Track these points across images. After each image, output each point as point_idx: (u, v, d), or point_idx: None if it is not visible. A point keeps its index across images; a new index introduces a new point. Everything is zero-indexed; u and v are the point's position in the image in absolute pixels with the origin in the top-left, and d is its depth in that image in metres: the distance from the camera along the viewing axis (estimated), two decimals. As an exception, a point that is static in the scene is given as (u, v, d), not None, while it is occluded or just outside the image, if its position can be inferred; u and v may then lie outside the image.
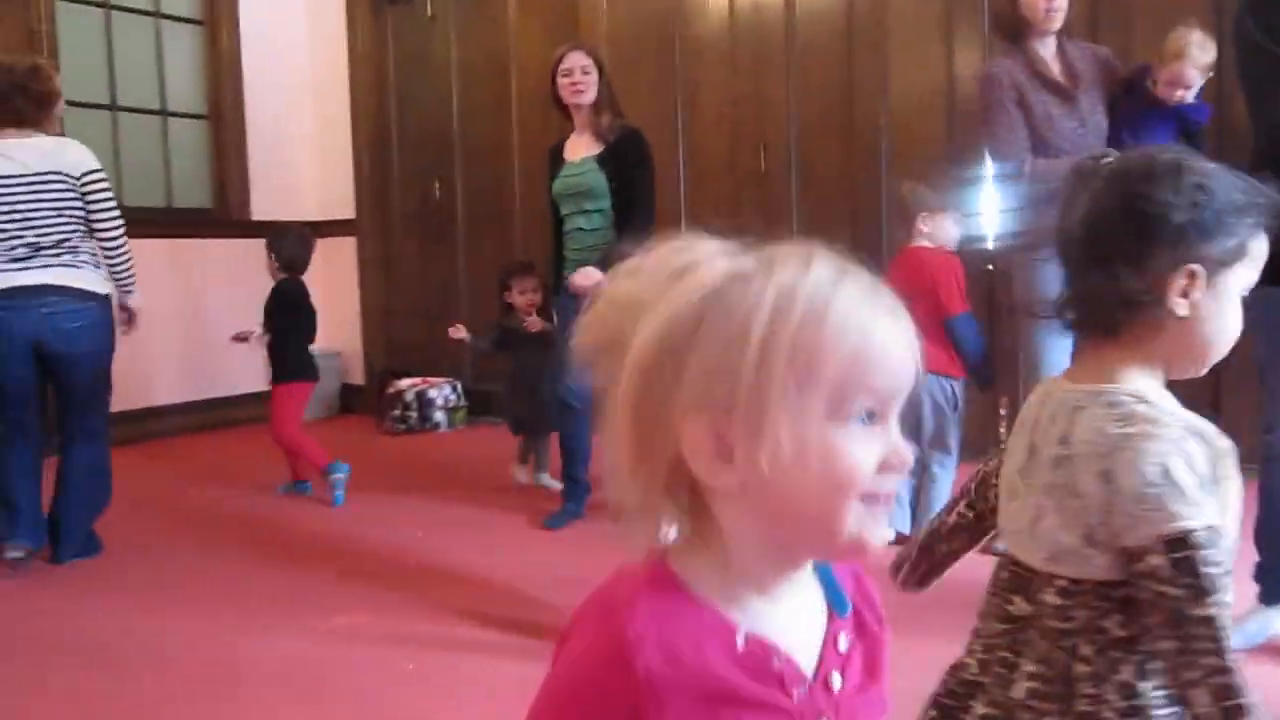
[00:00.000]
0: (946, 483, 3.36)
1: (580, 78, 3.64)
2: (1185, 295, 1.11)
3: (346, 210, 6.18)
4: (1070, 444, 1.11)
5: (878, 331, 0.67)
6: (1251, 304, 1.17)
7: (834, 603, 0.76)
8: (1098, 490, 1.07)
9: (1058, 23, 3.13)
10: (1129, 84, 3.20)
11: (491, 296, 5.74)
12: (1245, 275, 1.14)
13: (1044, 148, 3.11)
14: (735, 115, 4.94)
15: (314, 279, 6.23)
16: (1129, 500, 1.04)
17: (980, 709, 1.15)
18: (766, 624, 0.71)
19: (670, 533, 0.71)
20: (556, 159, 3.81)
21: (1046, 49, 3.18)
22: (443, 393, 5.58)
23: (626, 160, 3.68)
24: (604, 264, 3.74)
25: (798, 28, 4.76)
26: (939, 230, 3.37)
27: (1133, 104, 3.15)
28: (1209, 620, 1.00)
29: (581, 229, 3.71)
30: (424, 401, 5.54)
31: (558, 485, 3.94)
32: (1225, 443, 1.09)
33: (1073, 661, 1.09)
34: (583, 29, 5.19)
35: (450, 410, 5.59)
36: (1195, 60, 3.07)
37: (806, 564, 0.75)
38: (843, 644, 0.75)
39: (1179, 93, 3.09)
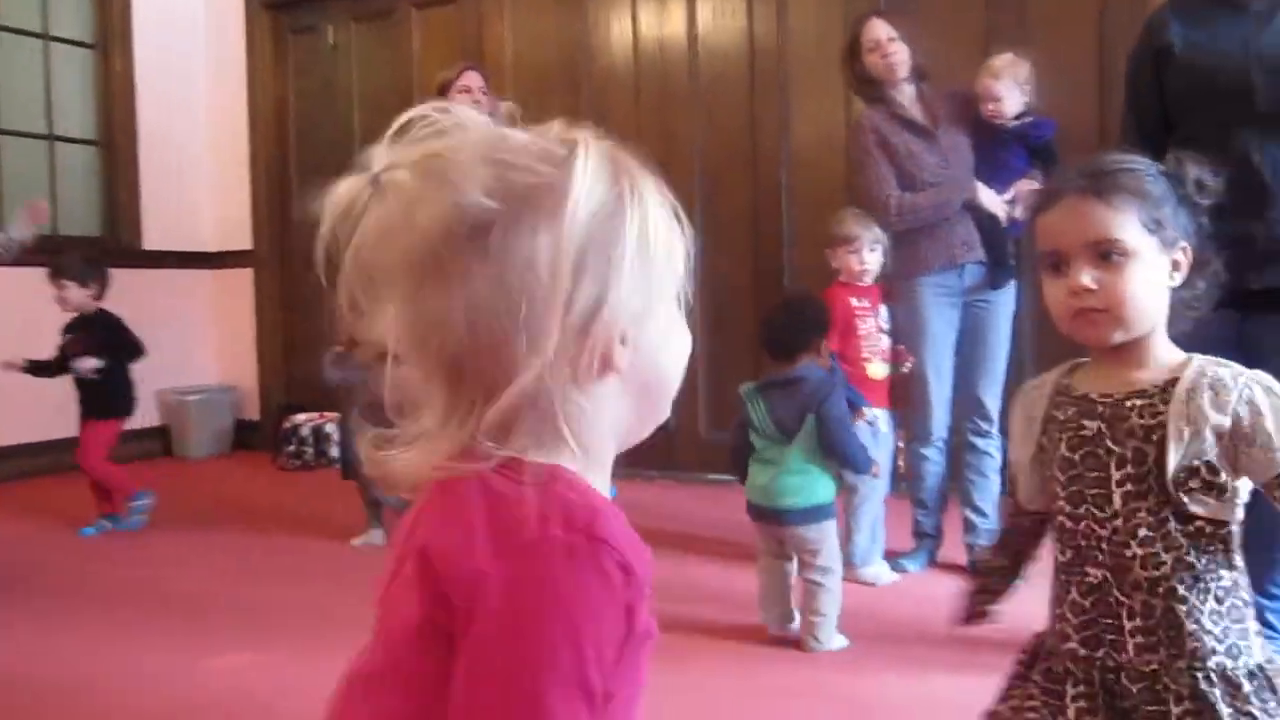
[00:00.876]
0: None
1: (480, 96, 3.64)
2: None
3: (244, 241, 6.02)
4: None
5: (683, 231, 0.79)
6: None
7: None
8: None
9: (901, 72, 3.33)
10: (975, 121, 3.34)
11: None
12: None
13: (912, 183, 3.29)
14: (640, 149, 4.92)
15: (208, 312, 6.10)
16: None
17: None
18: None
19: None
20: None
21: (905, 96, 3.37)
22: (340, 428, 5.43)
23: None
24: None
25: (701, 64, 4.80)
26: (839, 263, 3.38)
27: (982, 136, 3.32)
28: None
29: None
30: (320, 437, 5.39)
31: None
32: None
33: None
34: (488, 61, 5.15)
35: (348, 446, 5.44)
36: (995, 73, 3.24)
37: None
38: None
39: (990, 106, 3.26)
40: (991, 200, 3.23)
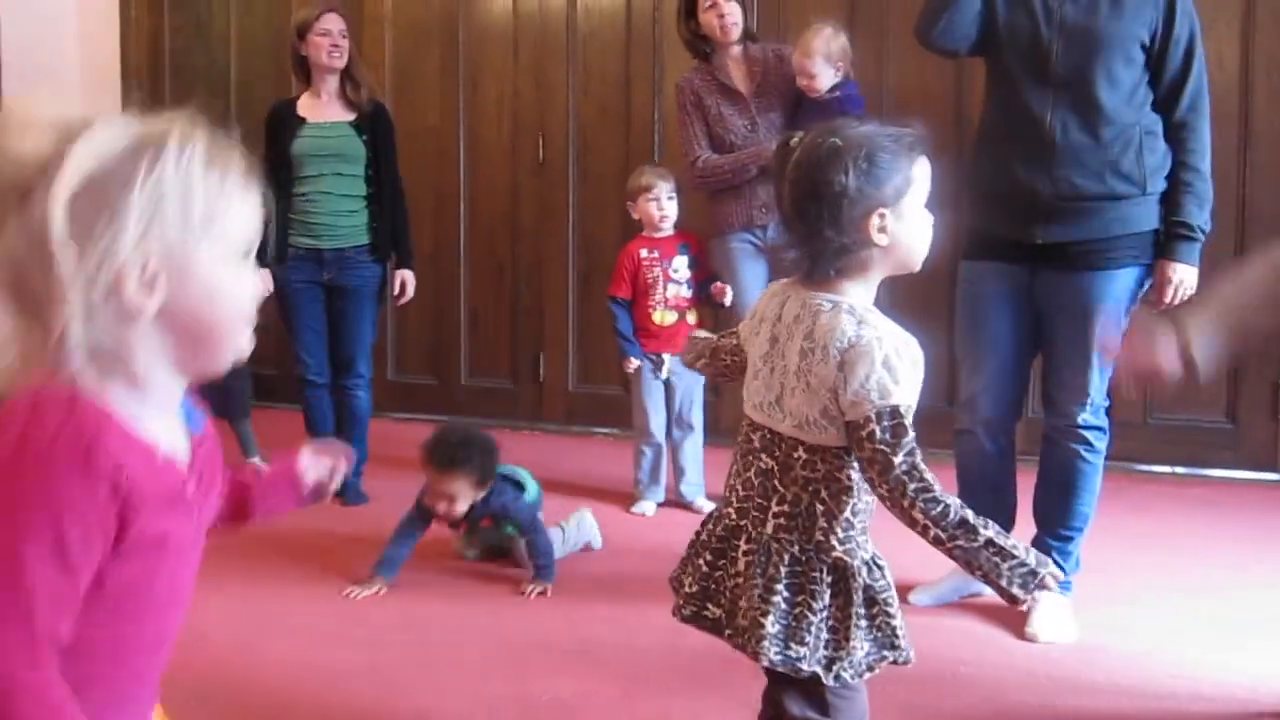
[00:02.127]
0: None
1: (340, 40, 3.64)
2: (883, 230, 1.43)
3: (114, 182, 5.87)
4: (814, 339, 1.42)
5: (247, 198, 0.93)
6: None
7: (190, 422, 0.98)
8: (834, 375, 1.39)
9: (734, 34, 3.47)
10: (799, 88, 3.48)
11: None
12: (919, 194, 1.47)
13: (721, 145, 3.49)
14: (516, 103, 4.99)
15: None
16: (857, 383, 1.37)
17: (743, 546, 1.47)
18: (163, 438, 0.91)
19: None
20: (291, 119, 3.70)
21: (732, 57, 3.52)
22: (211, 373, 5.40)
23: (383, 133, 3.71)
24: (381, 245, 3.73)
25: (579, 18, 4.85)
26: (639, 213, 3.61)
27: (800, 104, 3.47)
28: (909, 467, 1.36)
29: (329, 193, 3.64)
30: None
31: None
32: (920, 351, 1.43)
33: (814, 502, 1.43)
34: (367, 7, 5.13)
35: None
36: (808, 52, 3.36)
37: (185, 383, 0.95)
38: (200, 453, 0.98)
39: (803, 82, 3.39)
40: None
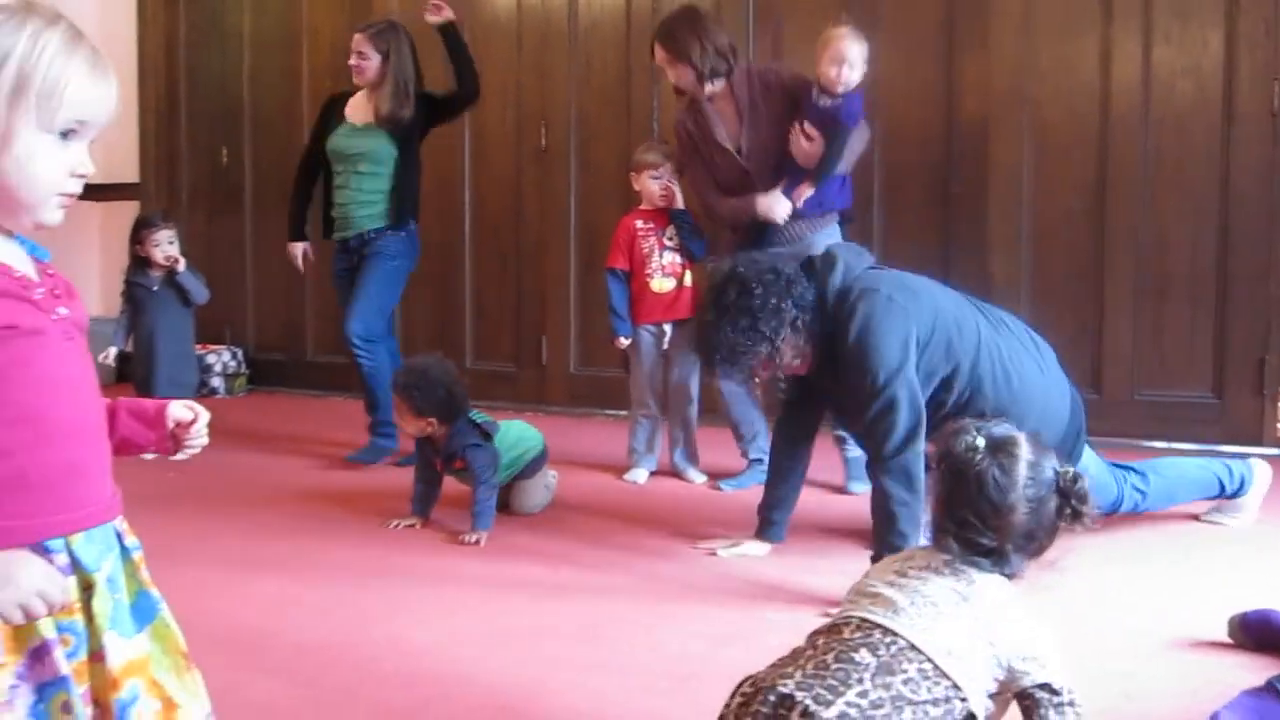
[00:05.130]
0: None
1: (356, 60, 3.86)
2: None
3: (130, 174, 6.04)
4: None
5: (81, 75, 1.03)
6: None
7: (34, 252, 1.11)
8: None
9: (689, 90, 3.41)
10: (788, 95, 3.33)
11: (281, 268, 5.73)
12: None
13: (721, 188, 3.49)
14: (519, 93, 5.09)
15: (93, 243, 6.10)
16: None
17: None
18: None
19: None
20: (334, 116, 3.97)
21: (719, 95, 3.40)
22: (221, 359, 5.52)
23: (418, 126, 3.96)
24: (396, 214, 3.90)
25: (580, 11, 4.96)
26: (640, 185, 3.69)
27: (798, 108, 3.26)
28: None
29: (354, 189, 3.89)
30: (200, 367, 5.45)
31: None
32: None
33: None
34: (375, 10, 5.25)
35: (229, 377, 5.53)
36: (850, 59, 3.16)
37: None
38: (49, 271, 1.11)
39: (832, 72, 3.15)
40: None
